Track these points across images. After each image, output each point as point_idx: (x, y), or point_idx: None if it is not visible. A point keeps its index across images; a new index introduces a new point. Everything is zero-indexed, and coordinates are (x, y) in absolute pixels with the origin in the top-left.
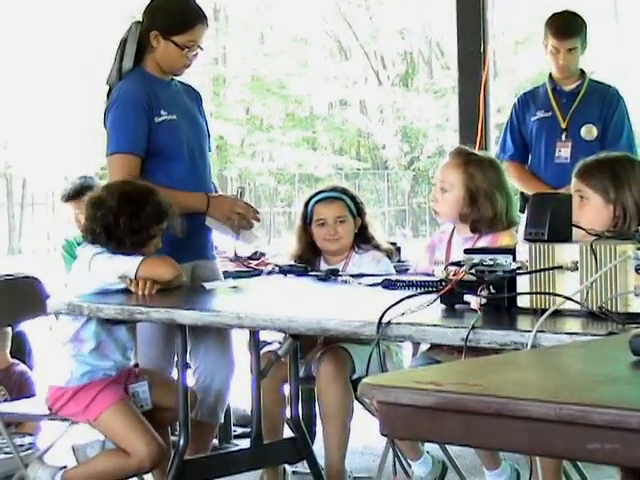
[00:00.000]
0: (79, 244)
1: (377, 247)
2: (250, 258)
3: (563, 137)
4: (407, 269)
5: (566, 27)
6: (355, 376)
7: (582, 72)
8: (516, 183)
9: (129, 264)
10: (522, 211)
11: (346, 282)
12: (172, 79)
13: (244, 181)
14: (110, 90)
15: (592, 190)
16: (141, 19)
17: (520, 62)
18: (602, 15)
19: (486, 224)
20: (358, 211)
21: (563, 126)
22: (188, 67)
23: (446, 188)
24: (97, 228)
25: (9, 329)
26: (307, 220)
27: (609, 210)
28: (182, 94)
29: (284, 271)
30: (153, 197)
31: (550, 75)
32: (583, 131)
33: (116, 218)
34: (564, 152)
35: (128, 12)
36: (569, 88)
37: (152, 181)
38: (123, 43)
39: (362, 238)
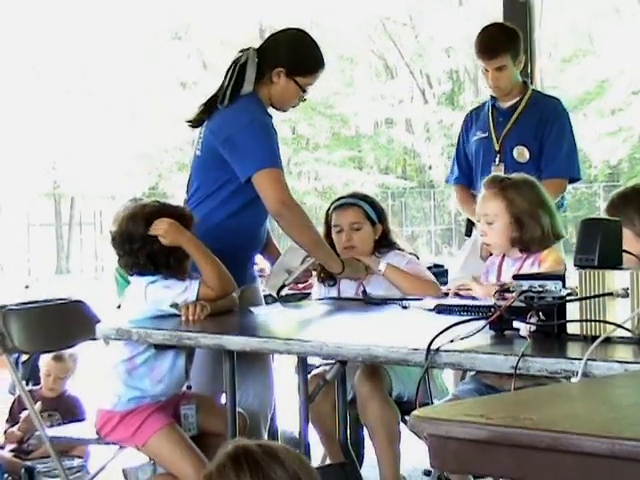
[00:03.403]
0: None
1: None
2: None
3: (497, 160)
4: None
5: (491, 46)
6: (394, 394)
7: (525, 85)
8: (459, 207)
9: (188, 291)
10: (467, 235)
11: (405, 307)
12: None
13: None
14: (207, 110)
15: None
16: (258, 47)
17: (567, 79)
18: None
19: (536, 243)
20: (379, 217)
21: (496, 148)
22: (294, 107)
23: (491, 220)
24: (141, 260)
25: (76, 358)
26: (329, 227)
27: (638, 242)
28: None
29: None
30: (170, 209)
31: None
32: (515, 153)
33: (153, 244)
34: None
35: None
36: (506, 105)
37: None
38: (242, 67)
39: (383, 243)
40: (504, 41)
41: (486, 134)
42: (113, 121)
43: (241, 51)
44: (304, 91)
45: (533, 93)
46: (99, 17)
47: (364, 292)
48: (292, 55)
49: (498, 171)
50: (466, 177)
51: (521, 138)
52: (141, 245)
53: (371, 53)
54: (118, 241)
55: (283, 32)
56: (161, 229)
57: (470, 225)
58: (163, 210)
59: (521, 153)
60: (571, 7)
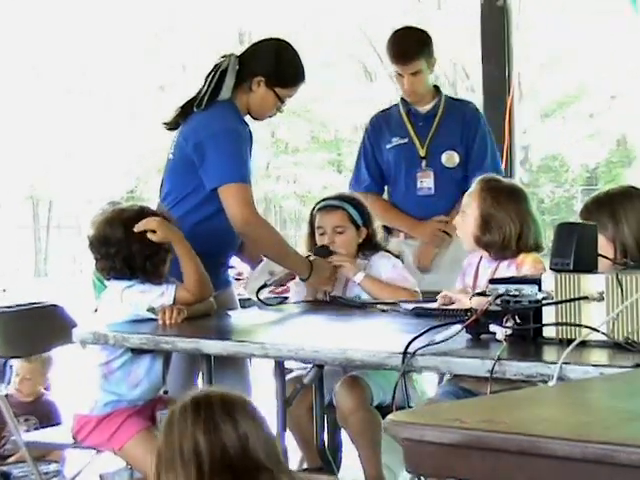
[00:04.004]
0: None
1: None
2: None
3: (423, 166)
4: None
5: (405, 51)
6: (375, 402)
7: (437, 89)
8: (377, 216)
9: (164, 296)
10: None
11: (385, 311)
12: None
13: (269, 203)
14: (183, 113)
15: None
16: (240, 54)
17: (545, 83)
18: None
19: (494, 248)
20: (365, 221)
21: (422, 154)
22: (271, 117)
23: (465, 212)
24: (117, 264)
25: (52, 358)
26: (313, 227)
27: (611, 247)
28: None
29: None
30: (148, 212)
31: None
32: (444, 158)
33: (130, 248)
34: (427, 183)
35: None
36: (424, 110)
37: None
38: (222, 73)
39: (368, 246)
40: (418, 45)
41: (406, 140)
42: (92, 124)
43: (223, 56)
44: (282, 102)
45: (446, 97)
46: (99, 17)
47: (331, 296)
48: (273, 66)
49: (426, 177)
50: (378, 185)
51: (448, 143)
52: (118, 249)
53: (350, 57)
54: (95, 245)
55: (266, 41)
56: (153, 225)
57: (387, 234)
58: (142, 214)
59: (450, 158)
60: (550, 10)
